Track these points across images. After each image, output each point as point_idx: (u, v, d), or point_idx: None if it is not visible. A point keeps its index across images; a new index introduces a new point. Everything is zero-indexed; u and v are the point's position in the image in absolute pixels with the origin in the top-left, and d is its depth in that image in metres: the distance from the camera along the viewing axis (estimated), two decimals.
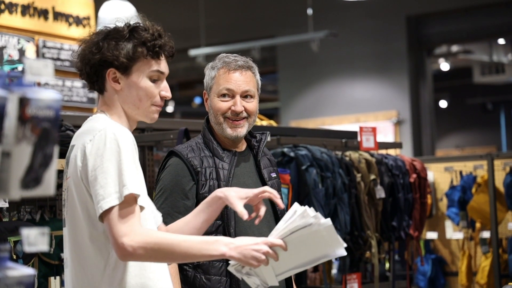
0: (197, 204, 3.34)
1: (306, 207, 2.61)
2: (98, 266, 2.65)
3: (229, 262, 2.70)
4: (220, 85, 3.43)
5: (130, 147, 2.63)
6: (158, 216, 2.95)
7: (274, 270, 2.68)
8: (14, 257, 3.73)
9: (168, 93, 2.84)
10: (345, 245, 2.65)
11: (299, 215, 2.61)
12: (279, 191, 3.57)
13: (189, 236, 2.73)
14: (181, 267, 3.36)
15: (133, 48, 2.75)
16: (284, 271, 2.71)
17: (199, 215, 2.96)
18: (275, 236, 2.63)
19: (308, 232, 2.60)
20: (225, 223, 3.34)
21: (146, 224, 2.70)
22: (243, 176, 3.45)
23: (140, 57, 2.76)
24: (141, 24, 2.82)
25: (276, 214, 3.49)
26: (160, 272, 2.75)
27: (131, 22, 2.82)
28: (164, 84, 2.84)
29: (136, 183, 2.60)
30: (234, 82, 3.42)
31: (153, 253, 2.56)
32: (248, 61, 3.49)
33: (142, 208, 2.64)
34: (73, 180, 2.66)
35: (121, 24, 2.81)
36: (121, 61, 2.74)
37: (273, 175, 3.56)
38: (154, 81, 2.80)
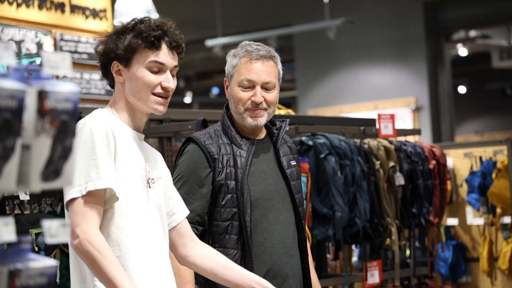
0: (213, 190, 3.35)
1: None
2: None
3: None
4: (241, 75, 3.42)
5: (101, 140, 2.67)
6: (181, 213, 2.97)
7: None
8: (36, 249, 3.76)
9: (168, 83, 2.84)
10: None
11: None
12: (298, 179, 3.56)
13: (123, 272, 2.68)
14: None
15: (129, 40, 2.79)
16: None
17: (228, 273, 2.98)
18: None
19: None
20: (240, 211, 3.34)
21: (122, 216, 2.73)
22: (260, 163, 3.44)
23: (137, 48, 2.80)
24: (148, 18, 2.85)
25: (293, 200, 3.49)
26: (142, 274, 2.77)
27: (143, 16, 2.86)
28: (166, 75, 2.84)
29: (107, 176, 2.64)
30: (255, 73, 3.41)
31: (88, 256, 2.60)
32: (270, 51, 3.48)
33: (116, 198, 2.68)
34: None
35: (133, 19, 2.86)
36: (119, 53, 2.80)
37: (293, 163, 3.55)
38: (154, 72, 2.82)
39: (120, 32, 2.83)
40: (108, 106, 2.87)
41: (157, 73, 2.82)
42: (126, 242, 2.71)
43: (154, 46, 2.82)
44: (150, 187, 2.81)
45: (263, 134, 3.51)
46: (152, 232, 2.80)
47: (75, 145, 2.58)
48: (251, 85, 3.41)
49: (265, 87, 3.42)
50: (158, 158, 2.95)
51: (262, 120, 3.42)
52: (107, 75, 2.87)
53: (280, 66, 3.50)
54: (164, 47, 2.84)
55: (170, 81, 2.85)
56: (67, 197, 2.63)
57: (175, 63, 2.88)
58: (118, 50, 2.79)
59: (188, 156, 3.39)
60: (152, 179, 2.82)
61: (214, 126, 3.49)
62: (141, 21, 2.84)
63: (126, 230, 2.72)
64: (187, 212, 3.01)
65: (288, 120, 3.61)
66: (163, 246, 2.84)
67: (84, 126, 2.68)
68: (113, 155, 2.69)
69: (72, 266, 2.77)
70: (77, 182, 2.61)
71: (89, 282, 2.70)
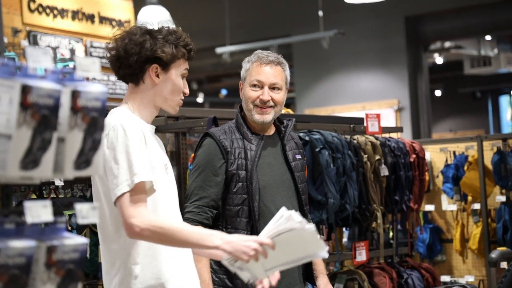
0: (226, 179, 3.36)
1: (292, 211, 2.57)
2: (118, 242, 2.66)
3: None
4: (252, 77, 3.44)
5: (138, 139, 2.62)
6: None
7: (263, 265, 2.65)
8: (69, 228, 3.76)
9: (187, 90, 2.86)
10: (326, 248, 2.61)
11: (285, 218, 2.57)
12: (302, 171, 3.57)
13: (190, 226, 2.69)
14: None
15: (177, 49, 2.75)
16: (272, 267, 2.67)
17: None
18: (264, 235, 2.59)
19: (294, 234, 2.57)
20: (250, 197, 3.34)
21: (159, 205, 2.70)
22: (268, 157, 3.45)
23: (180, 57, 2.77)
24: (173, 29, 2.81)
25: (297, 189, 3.48)
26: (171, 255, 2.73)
27: (164, 26, 2.82)
28: (185, 82, 2.85)
29: (146, 170, 2.60)
30: (264, 75, 3.42)
31: (157, 236, 2.56)
32: (279, 58, 3.51)
33: (153, 191, 2.65)
34: None
35: (156, 27, 2.81)
36: (167, 59, 2.74)
37: (298, 156, 3.56)
38: (182, 78, 2.82)
39: (155, 36, 2.74)
40: (124, 103, 2.79)
41: (182, 78, 2.83)
42: None
43: (190, 57, 2.81)
44: (167, 174, 2.79)
45: (272, 131, 3.52)
46: (175, 219, 2.78)
47: (113, 146, 2.58)
48: (260, 85, 3.42)
49: (273, 88, 3.43)
50: (162, 145, 2.92)
51: (269, 117, 3.42)
52: (136, 73, 2.76)
53: (287, 72, 3.51)
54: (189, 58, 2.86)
55: (187, 88, 2.87)
56: (117, 193, 2.57)
57: None
58: (167, 56, 2.73)
59: (205, 149, 3.41)
60: (166, 164, 2.80)
61: (229, 123, 3.51)
62: (175, 32, 2.79)
63: (159, 217, 2.69)
64: None
65: (294, 119, 3.63)
66: None
67: (116, 126, 2.62)
68: (147, 150, 2.66)
69: (103, 252, 2.73)
70: (123, 178, 2.57)
71: (118, 264, 2.66)
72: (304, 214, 3.47)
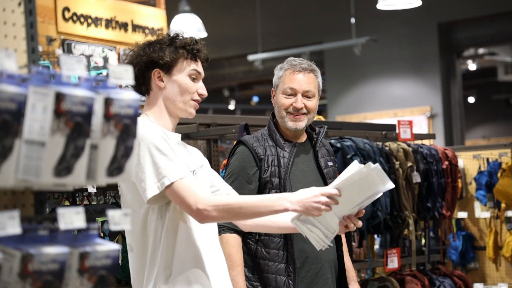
0: (259, 186, 3.35)
1: (358, 163, 2.61)
2: (154, 243, 2.66)
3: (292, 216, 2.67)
4: (285, 84, 3.43)
5: (161, 140, 2.62)
6: (224, 189, 2.93)
7: (336, 214, 2.66)
8: (102, 235, 3.78)
9: (204, 91, 2.84)
10: (391, 182, 2.61)
11: (352, 168, 2.61)
12: (333, 177, 3.54)
13: (253, 195, 2.72)
14: (244, 240, 3.35)
15: (175, 50, 2.76)
16: (345, 213, 2.69)
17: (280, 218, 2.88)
18: (333, 186, 2.61)
19: (360, 177, 2.59)
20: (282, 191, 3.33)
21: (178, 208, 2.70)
22: (301, 164, 3.44)
23: (181, 57, 2.77)
24: (181, 34, 2.83)
25: (323, 175, 3.47)
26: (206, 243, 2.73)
27: (176, 33, 2.84)
28: (201, 84, 2.84)
29: (178, 166, 2.60)
30: (297, 82, 3.41)
31: (225, 212, 2.57)
32: (311, 65, 3.49)
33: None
34: None
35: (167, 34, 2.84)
36: (165, 61, 2.75)
37: (330, 163, 3.54)
38: (192, 79, 2.81)
39: (156, 43, 2.78)
40: (143, 114, 2.80)
41: (194, 80, 2.82)
42: (181, 228, 2.68)
43: (194, 57, 2.81)
44: (196, 179, 2.79)
45: (304, 138, 3.51)
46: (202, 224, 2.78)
47: (136, 152, 2.60)
48: (293, 93, 3.41)
49: (306, 95, 3.42)
50: (194, 151, 2.91)
51: (302, 124, 3.41)
52: (142, 82, 2.78)
53: (320, 79, 3.49)
54: (199, 60, 2.84)
55: (205, 89, 2.85)
56: (148, 196, 2.58)
57: (204, 73, 2.88)
58: (164, 58, 2.74)
59: (238, 157, 3.40)
60: (194, 170, 2.79)
61: (262, 130, 3.50)
62: (177, 35, 2.82)
63: (182, 219, 2.70)
64: (229, 187, 2.97)
65: (326, 126, 3.61)
66: (213, 233, 2.82)
67: (138, 133, 2.64)
68: (174, 150, 2.68)
69: (139, 255, 2.71)
70: (151, 181, 2.58)
71: (156, 266, 2.65)
72: None
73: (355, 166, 2.62)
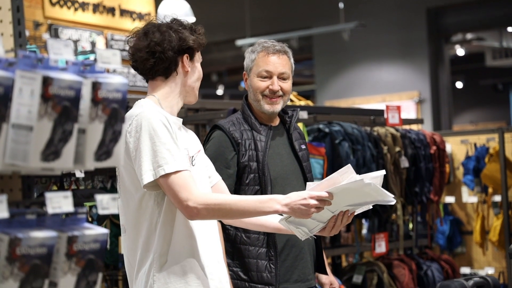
0: (238, 171, 3.34)
1: (352, 169, 2.61)
2: (149, 229, 2.66)
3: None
4: (260, 67, 3.41)
5: (162, 128, 2.62)
6: (215, 177, 2.95)
7: (329, 209, 2.67)
8: (90, 219, 3.78)
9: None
10: (393, 197, 2.64)
11: (344, 171, 2.62)
12: (308, 160, 3.55)
13: (245, 196, 2.73)
14: (223, 226, 3.35)
15: (199, 37, 2.78)
16: (339, 209, 2.70)
17: (274, 220, 2.91)
18: (326, 189, 2.62)
19: (355, 186, 2.59)
20: (262, 188, 3.32)
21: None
22: (277, 147, 3.43)
23: (202, 45, 2.81)
24: (180, 20, 2.85)
25: (306, 179, 3.47)
26: (205, 229, 2.75)
27: (173, 18, 2.84)
28: None
29: (176, 158, 2.60)
30: (272, 64, 3.40)
31: (215, 212, 2.60)
32: (284, 47, 3.47)
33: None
34: None
35: (165, 20, 2.84)
36: (195, 48, 2.79)
37: (303, 146, 3.53)
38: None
39: (179, 29, 2.77)
40: (151, 95, 2.79)
41: None
42: (182, 218, 2.67)
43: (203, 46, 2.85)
44: (193, 165, 2.79)
45: (277, 121, 3.50)
46: None
47: (138, 135, 2.60)
48: (268, 76, 3.40)
49: (281, 77, 3.40)
50: (192, 135, 2.92)
51: (278, 107, 3.40)
52: (168, 65, 2.76)
53: (292, 60, 3.48)
54: None
55: None
56: (144, 182, 2.57)
57: None
58: (194, 44, 2.78)
59: (215, 141, 3.37)
60: (192, 156, 2.80)
61: (235, 114, 3.48)
62: (185, 22, 2.83)
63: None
64: (219, 176, 2.98)
65: (298, 109, 3.59)
66: (212, 223, 2.81)
67: (140, 116, 2.62)
68: (175, 139, 2.67)
69: (132, 238, 2.71)
70: (147, 167, 2.57)
71: (151, 252, 2.65)
72: None
73: (349, 172, 2.62)
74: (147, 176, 2.58)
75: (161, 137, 2.60)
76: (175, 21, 2.82)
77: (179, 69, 2.79)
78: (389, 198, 2.65)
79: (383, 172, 2.65)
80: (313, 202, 2.59)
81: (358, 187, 2.59)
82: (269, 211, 2.62)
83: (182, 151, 2.69)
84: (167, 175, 2.57)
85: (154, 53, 2.74)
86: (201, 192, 2.62)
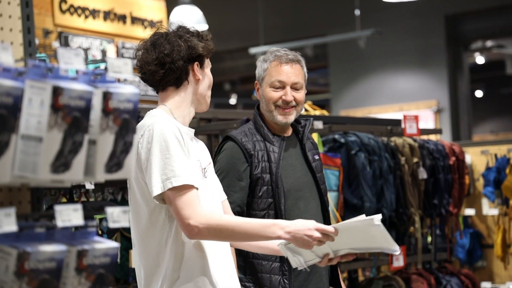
0: (251, 183, 3.32)
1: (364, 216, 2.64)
2: (160, 243, 2.66)
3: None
4: (272, 77, 3.39)
5: (174, 140, 2.62)
6: (222, 195, 2.94)
7: (330, 246, 2.68)
8: (100, 232, 3.78)
9: None
10: (397, 248, 2.69)
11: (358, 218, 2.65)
12: (322, 171, 3.54)
13: (248, 218, 2.72)
14: None
15: (208, 44, 2.79)
16: (340, 249, 2.71)
17: (271, 243, 2.93)
18: (333, 225, 2.65)
19: (362, 225, 2.61)
20: (276, 201, 3.31)
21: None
22: (290, 158, 3.42)
23: (211, 52, 2.81)
24: (187, 26, 2.86)
25: (319, 190, 3.46)
26: (216, 247, 2.74)
27: (180, 25, 2.85)
28: None
29: (185, 172, 2.59)
30: (285, 74, 3.38)
31: (216, 233, 2.59)
32: (297, 55, 3.45)
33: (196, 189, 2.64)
34: None
35: (187, 27, 2.85)
36: (204, 55, 2.80)
37: (316, 157, 3.52)
38: None
39: (187, 37, 2.78)
40: (162, 105, 2.79)
41: None
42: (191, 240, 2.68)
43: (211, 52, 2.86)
44: (206, 177, 2.78)
45: (290, 131, 3.49)
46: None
47: (149, 146, 2.60)
48: (281, 86, 3.38)
49: (294, 87, 3.39)
50: (203, 147, 2.92)
51: (291, 117, 3.39)
52: (179, 75, 2.77)
53: (305, 69, 3.47)
54: None
55: None
56: (154, 193, 2.58)
57: None
58: (203, 52, 2.78)
59: (227, 153, 3.35)
60: (204, 168, 2.79)
61: (247, 125, 3.46)
62: (191, 29, 2.84)
63: None
64: (225, 195, 2.98)
65: (311, 118, 3.58)
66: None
67: (152, 127, 2.62)
68: (187, 152, 2.67)
69: (141, 252, 2.71)
70: (158, 179, 2.57)
71: (163, 267, 2.65)
72: (327, 216, 3.46)
73: (361, 218, 2.65)
74: (156, 189, 2.58)
75: (172, 150, 2.60)
76: (181, 28, 2.82)
77: (190, 77, 2.79)
78: (395, 247, 2.69)
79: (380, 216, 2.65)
80: (317, 234, 2.60)
81: (365, 227, 2.60)
82: (271, 237, 2.63)
83: (194, 163, 2.69)
84: (174, 189, 2.57)
85: (164, 65, 2.75)
86: (204, 211, 2.60)
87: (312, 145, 3.55)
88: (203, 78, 2.82)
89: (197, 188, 2.62)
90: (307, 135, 3.50)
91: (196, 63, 2.79)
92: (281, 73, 3.38)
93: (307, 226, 2.61)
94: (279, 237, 2.62)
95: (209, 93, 2.86)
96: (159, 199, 2.61)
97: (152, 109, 2.81)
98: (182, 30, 2.81)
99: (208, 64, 2.85)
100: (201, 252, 2.68)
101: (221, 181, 3.25)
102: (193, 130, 2.82)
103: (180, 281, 2.64)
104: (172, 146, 2.60)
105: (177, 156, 2.60)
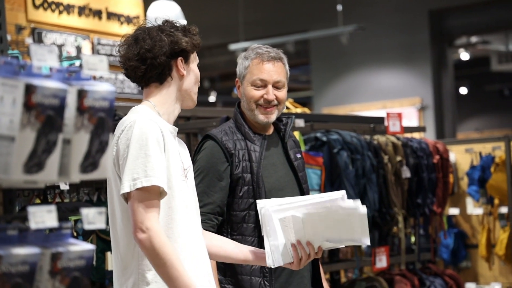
0: (231, 183, 3.32)
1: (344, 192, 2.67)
2: (129, 244, 2.66)
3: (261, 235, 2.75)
4: (254, 75, 3.39)
5: (153, 140, 2.62)
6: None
7: (305, 235, 2.74)
8: (75, 234, 3.77)
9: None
10: (369, 240, 2.75)
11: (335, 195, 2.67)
12: (304, 170, 3.54)
13: (183, 264, 2.63)
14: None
15: (196, 39, 2.80)
16: (314, 240, 2.75)
17: (240, 252, 2.99)
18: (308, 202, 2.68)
19: (344, 213, 2.62)
20: (256, 199, 3.31)
21: (175, 211, 2.69)
22: (272, 157, 3.42)
23: (196, 46, 2.82)
24: (173, 21, 2.85)
25: (302, 190, 3.47)
26: (188, 251, 2.74)
27: (165, 20, 2.85)
28: None
29: (157, 174, 2.59)
30: (266, 73, 3.38)
31: (152, 252, 2.55)
32: (279, 53, 3.45)
33: (165, 193, 2.63)
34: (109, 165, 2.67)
35: (156, 22, 2.84)
36: (189, 50, 2.80)
37: (298, 155, 3.52)
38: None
39: (171, 31, 2.78)
40: (147, 101, 2.79)
41: None
42: (175, 235, 2.67)
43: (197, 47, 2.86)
44: (187, 178, 2.78)
45: (271, 130, 3.48)
46: (192, 224, 2.77)
47: (128, 143, 2.60)
48: (263, 84, 3.38)
49: (276, 86, 3.39)
50: (184, 148, 2.91)
51: (273, 116, 3.39)
52: (161, 71, 2.77)
53: (287, 67, 3.47)
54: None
55: None
56: (122, 191, 2.58)
57: None
58: (188, 46, 2.78)
59: (207, 152, 3.35)
60: (185, 169, 2.79)
61: (228, 123, 3.46)
62: (177, 23, 2.84)
63: (175, 223, 2.69)
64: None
65: (293, 116, 3.58)
66: (201, 236, 2.82)
67: (133, 124, 2.62)
68: (163, 152, 2.66)
69: (114, 252, 2.73)
70: (130, 177, 2.57)
71: (131, 269, 2.66)
72: None
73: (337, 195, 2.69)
74: (125, 186, 2.58)
75: (149, 150, 2.59)
76: (166, 23, 2.82)
77: (173, 73, 2.79)
78: (367, 239, 2.74)
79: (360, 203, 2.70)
80: None
81: (346, 216, 2.66)
82: None
83: (177, 163, 2.69)
84: (141, 189, 2.57)
85: (146, 60, 2.74)
86: (160, 226, 2.59)
87: (294, 143, 3.55)
88: (188, 73, 2.82)
89: (166, 193, 2.62)
90: (289, 133, 3.50)
91: (180, 58, 2.78)
92: (263, 71, 3.38)
93: None
94: None
95: (195, 89, 2.86)
96: (125, 198, 2.61)
97: (129, 106, 2.81)
98: (166, 25, 2.81)
99: (194, 59, 2.84)
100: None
101: (200, 180, 3.26)
102: (177, 129, 2.82)
103: (153, 284, 2.63)
104: (149, 146, 2.60)
105: (153, 157, 2.59)
